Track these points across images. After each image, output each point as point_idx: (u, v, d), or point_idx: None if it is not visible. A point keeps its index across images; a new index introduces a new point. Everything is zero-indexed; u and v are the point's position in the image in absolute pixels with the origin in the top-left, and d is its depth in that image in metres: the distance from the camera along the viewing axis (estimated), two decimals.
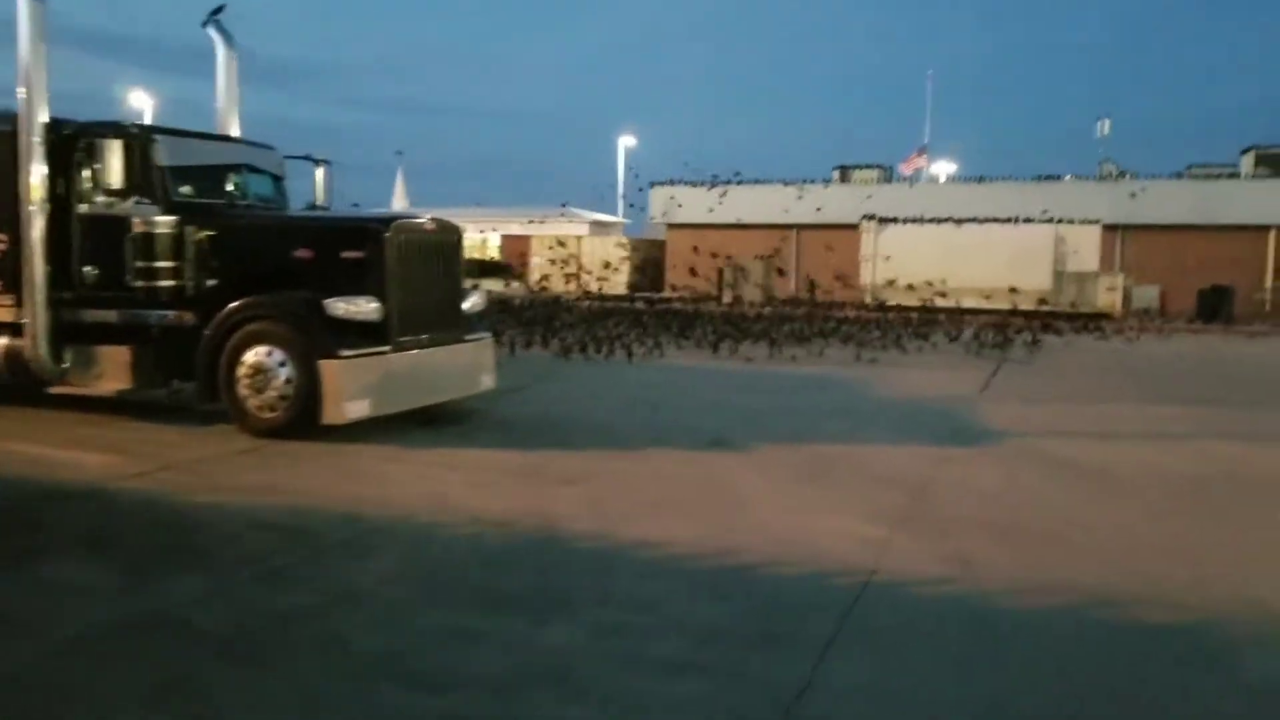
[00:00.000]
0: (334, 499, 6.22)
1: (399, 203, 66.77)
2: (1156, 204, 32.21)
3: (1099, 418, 10.16)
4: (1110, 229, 30.33)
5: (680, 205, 38.32)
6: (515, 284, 41.80)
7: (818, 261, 35.66)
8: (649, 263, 41.14)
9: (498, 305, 23.52)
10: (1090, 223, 28.12)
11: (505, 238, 56.36)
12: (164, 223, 8.56)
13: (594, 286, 36.97)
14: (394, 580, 4.85)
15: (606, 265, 32.77)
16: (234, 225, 8.85)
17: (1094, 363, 16.00)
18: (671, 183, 39.27)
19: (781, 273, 32.60)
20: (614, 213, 58.40)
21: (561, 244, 42.40)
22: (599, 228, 54.00)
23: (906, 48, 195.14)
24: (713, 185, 37.73)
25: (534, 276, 43.32)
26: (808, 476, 7.18)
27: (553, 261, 42.03)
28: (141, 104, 43.37)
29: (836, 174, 38.29)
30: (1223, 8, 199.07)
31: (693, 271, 30.28)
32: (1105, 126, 37.21)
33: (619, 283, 40.37)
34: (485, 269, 53.79)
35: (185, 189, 8.87)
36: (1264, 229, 31.94)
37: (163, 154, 8.68)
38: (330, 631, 4.17)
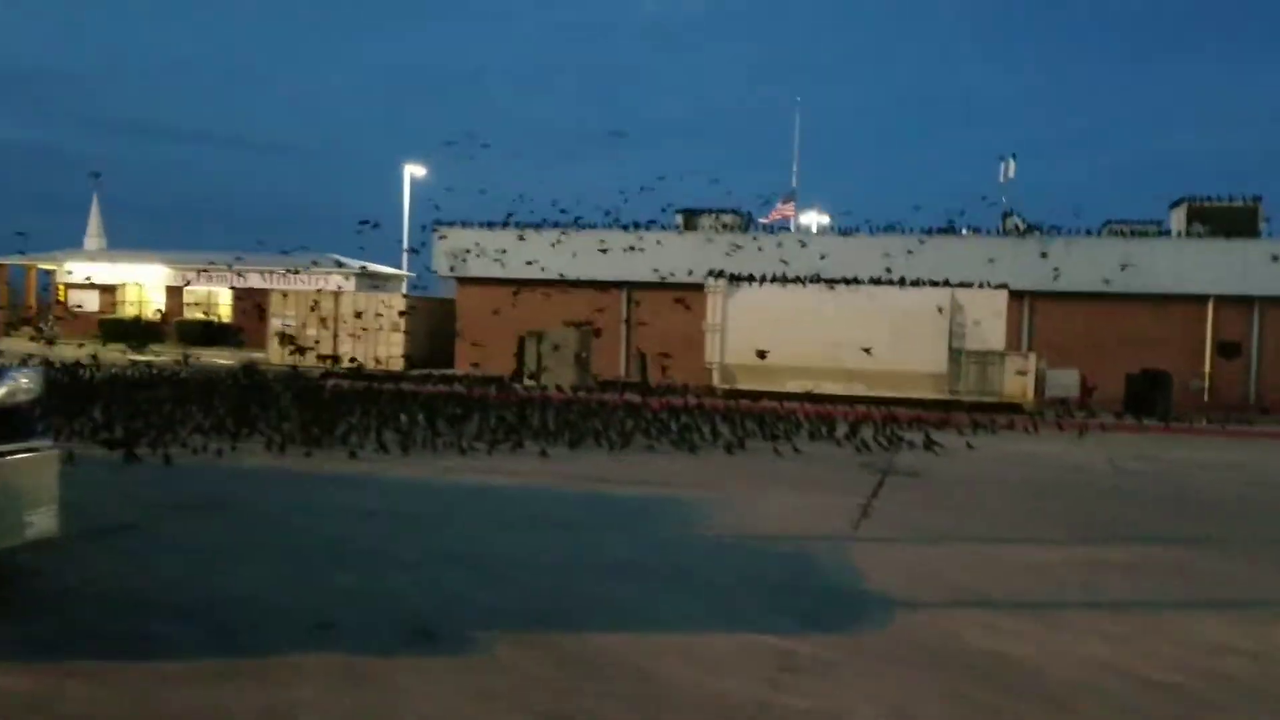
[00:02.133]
0: None
1: (92, 242, 62.40)
2: (1072, 266, 32.54)
3: (1024, 570, 8.56)
4: (1017, 296, 30.22)
5: (473, 254, 36.38)
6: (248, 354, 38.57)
7: (656, 331, 34.27)
8: (437, 329, 38.89)
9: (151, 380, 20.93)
10: (995, 287, 27.81)
11: (238, 292, 52.87)
12: None
13: (357, 358, 34.34)
14: None
15: (361, 332, 30.30)
16: None
17: (1006, 475, 14.75)
18: (463, 225, 37.36)
19: (596, 336, 30.90)
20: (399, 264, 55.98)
21: (316, 303, 39.67)
22: (371, 282, 51.42)
23: (773, 84, 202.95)
24: (516, 227, 36.05)
25: (272, 346, 40.32)
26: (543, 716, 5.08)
27: (299, 326, 39.19)
28: None
29: (680, 219, 37.34)
30: (1143, 49, 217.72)
31: (477, 345, 28.21)
32: (1009, 168, 37.88)
33: (395, 355, 37.95)
34: (208, 332, 50.36)
35: None
36: (1201, 300, 32.66)
37: None
38: None
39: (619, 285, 35.74)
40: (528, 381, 27.52)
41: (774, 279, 28.72)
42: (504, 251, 36.18)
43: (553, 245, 35.64)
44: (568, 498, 11.24)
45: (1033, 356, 27.61)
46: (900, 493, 12.43)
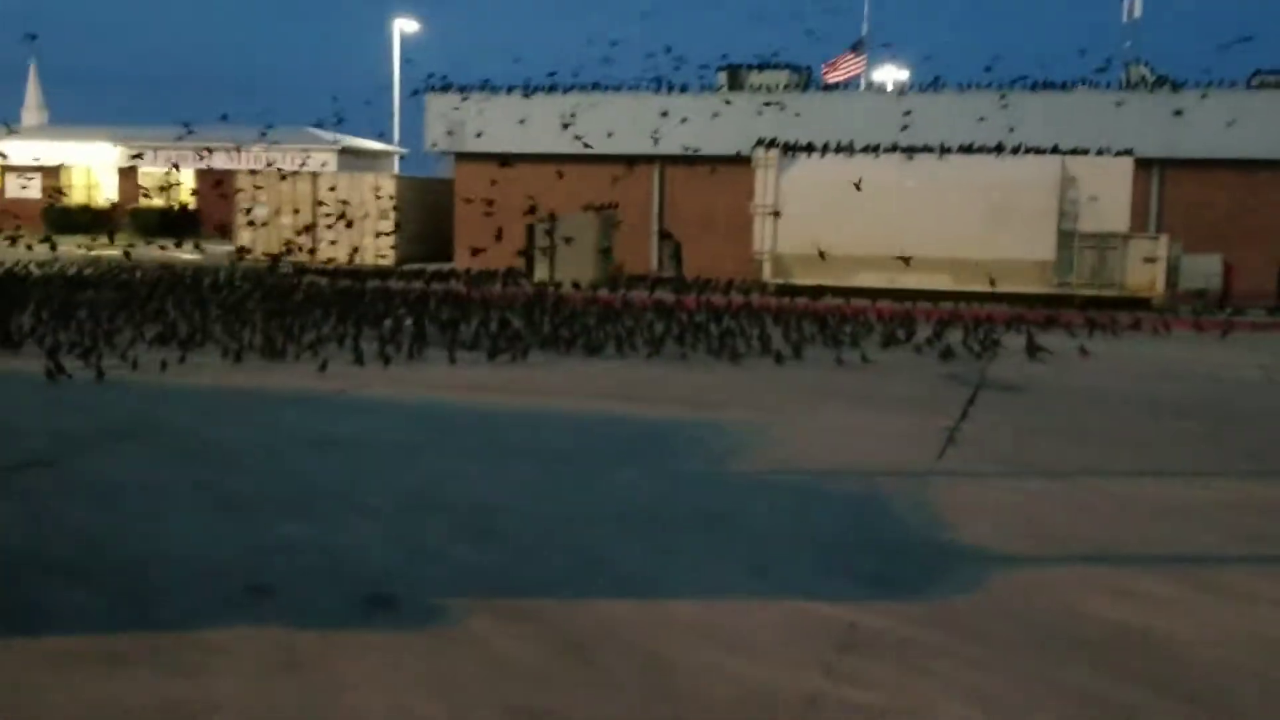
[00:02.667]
0: None
1: (31, 116, 62.10)
2: (1213, 128, 31.37)
3: (1162, 514, 8.02)
4: (1144, 165, 29.21)
5: (473, 124, 35.65)
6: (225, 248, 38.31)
7: (693, 215, 33.59)
8: (433, 216, 38.37)
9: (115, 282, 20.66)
10: (1118, 155, 26.84)
11: (202, 174, 52.48)
12: None
13: (335, 252, 33.96)
14: None
15: (341, 216, 29.70)
16: None
17: (1132, 389, 14.13)
18: (461, 90, 36.57)
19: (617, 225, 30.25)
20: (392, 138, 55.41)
21: (282, 180, 39.20)
22: (355, 159, 50.86)
23: None
24: (525, 91, 35.26)
25: (241, 237, 40.06)
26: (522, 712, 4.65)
27: (271, 214, 38.85)
28: None
29: (724, 78, 36.36)
30: None
31: (498, 237, 27.60)
32: (1135, 6, 36.42)
33: (383, 247, 37.50)
34: (166, 222, 50.07)
35: None
36: None
37: None
38: None
39: (649, 160, 34.92)
40: (539, 277, 27.02)
41: (839, 148, 27.86)
42: (513, 121, 35.41)
43: (569, 113, 34.82)
44: (576, 421, 10.80)
45: (1164, 240, 26.72)
46: (996, 412, 11.87)
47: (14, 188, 58.48)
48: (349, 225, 32.24)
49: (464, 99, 36.30)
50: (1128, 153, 27.00)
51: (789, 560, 6.69)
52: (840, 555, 6.80)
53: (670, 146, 34.15)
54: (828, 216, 26.39)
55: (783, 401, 12.11)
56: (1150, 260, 25.89)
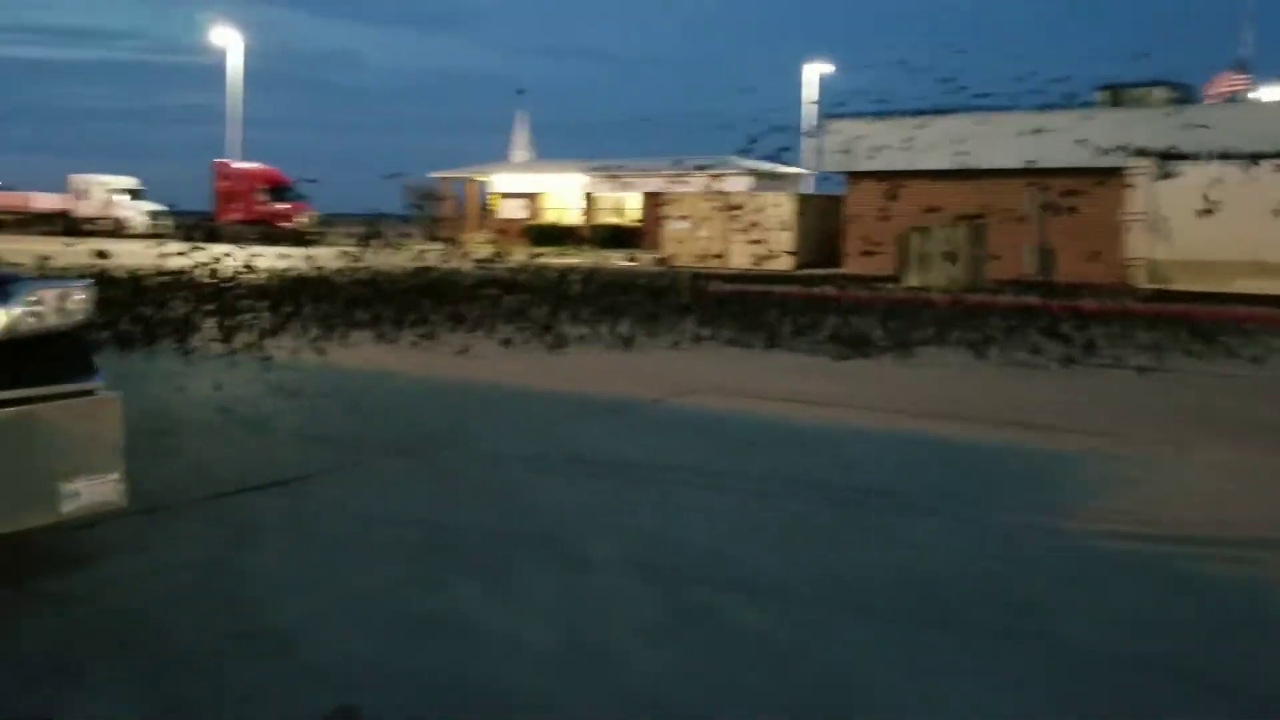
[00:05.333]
0: None
1: (519, 155, 64.00)
2: None
3: None
4: None
5: (863, 147, 32.32)
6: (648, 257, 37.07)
7: (1067, 224, 28.84)
8: (828, 229, 35.47)
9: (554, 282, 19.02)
10: None
11: (648, 196, 51.86)
12: None
13: (743, 259, 31.73)
14: None
15: (742, 230, 27.45)
16: None
17: None
18: (855, 116, 33.38)
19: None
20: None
21: (681, 204, 37.60)
22: (767, 181, 48.55)
23: None
24: (911, 115, 31.55)
25: (665, 247, 38.71)
26: None
27: (691, 227, 37.26)
28: None
29: (1102, 96, 31.24)
30: None
31: (870, 248, 24.46)
32: None
33: (782, 256, 34.98)
34: (617, 236, 49.58)
35: None
36: None
37: None
38: None
39: (1025, 173, 30.34)
40: (909, 283, 23.52)
41: (1222, 157, 22.66)
42: (901, 141, 31.81)
43: (946, 133, 30.81)
44: (882, 446, 7.59)
45: None
46: None
47: (509, 209, 60.35)
48: (744, 234, 30.00)
49: (854, 123, 33.12)
50: None
51: (1141, 698, 3.46)
52: (1222, 697, 3.49)
53: (1047, 160, 29.55)
54: (1206, 224, 21.41)
55: (1144, 427, 8.39)
56: None
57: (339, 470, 6.17)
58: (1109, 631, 4.07)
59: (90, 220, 49.47)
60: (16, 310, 4.11)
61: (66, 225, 48.28)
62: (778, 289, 21.19)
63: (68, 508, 4.23)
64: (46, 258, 15.49)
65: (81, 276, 5.97)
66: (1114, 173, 24.46)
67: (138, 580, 4.29)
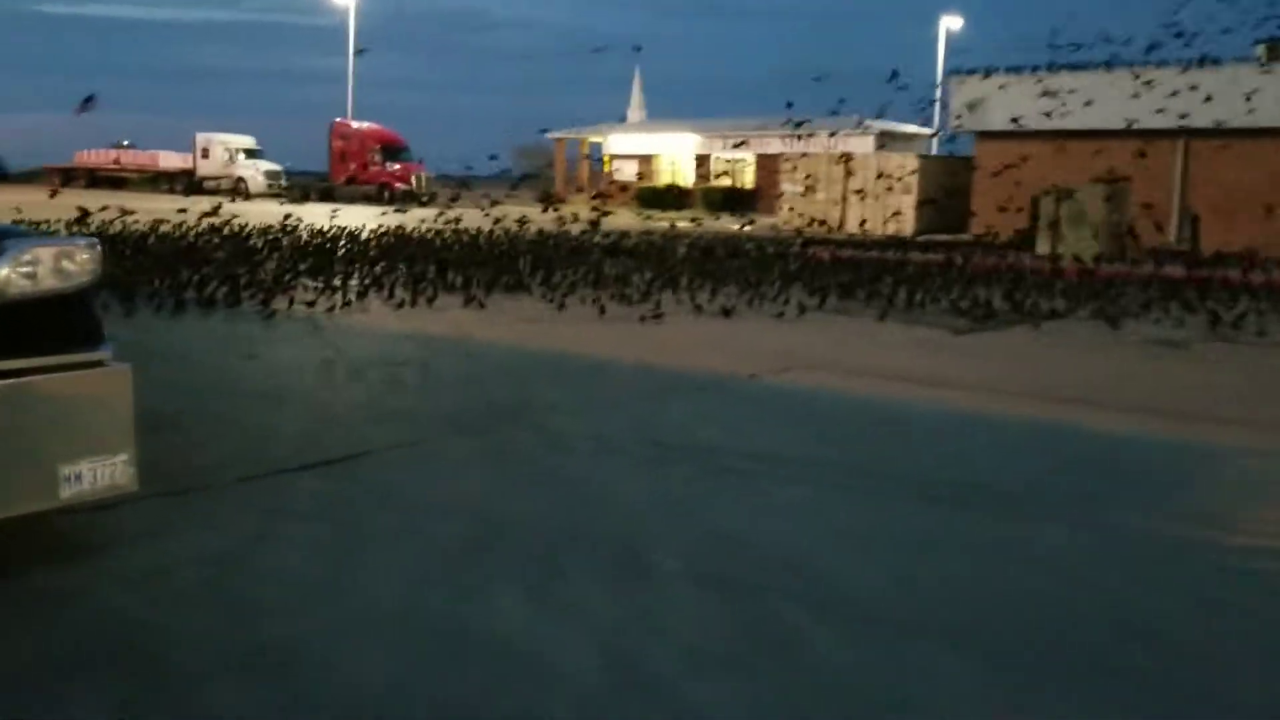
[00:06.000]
0: None
1: (634, 115, 63.35)
2: None
3: None
4: None
5: (992, 104, 30.89)
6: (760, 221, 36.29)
7: (1218, 189, 27.13)
8: (954, 191, 34.08)
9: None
10: None
11: (762, 159, 50.87)
12: None
13: (861, 223, 30.66)
14: None
15: (857, 192, 26.37)
16: None
17: None
18: (985, 72, 31.93)
19: (1149, 206, 24.43)
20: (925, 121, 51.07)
21: (797, 166, 36.57)
22: (892, 142, 47.05)
23: None
24: (1046, 70, 29.98)
25: (782, 211, 37.86)
26: None
27: (806, 189, 36.26)
28: None
29: (1261, 50, 29.22)
30: None
31: (998, 212, 23.25)
32: None
33: (903, 219, 33.77)
34: (730, 198, 48.66)
35: None
36: None
37: None
38: None
39: (1172, 134, 28.64)
40: (1040, 250, 22.25)
41: None
42: (1034, 99, 30.29)
43: (1088, 90, 29.18)
44: (997, 431, 6.84)
45: None
46: None
47: (620, 170, 59.90)
48: (862, 198, 28.91)
49: (983, 79, 31.67)
50: None
51: None
52: None
53: (1198, 121, 27.78)
54: None
55: None
56: None
57: (395, 449, 5.72)
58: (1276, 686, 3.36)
59: (212, 179, 50.52)
60: (5, 270, 3.71)
61: (188, 184, 49.41)
62: (894, 255, 20.27)
63: (68, 492, 3.84)
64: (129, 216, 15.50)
65: (100, 234, 5.59)
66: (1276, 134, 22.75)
67: (141, 578, 3.87)
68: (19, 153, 74.22)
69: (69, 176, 55.66)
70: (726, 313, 11.96)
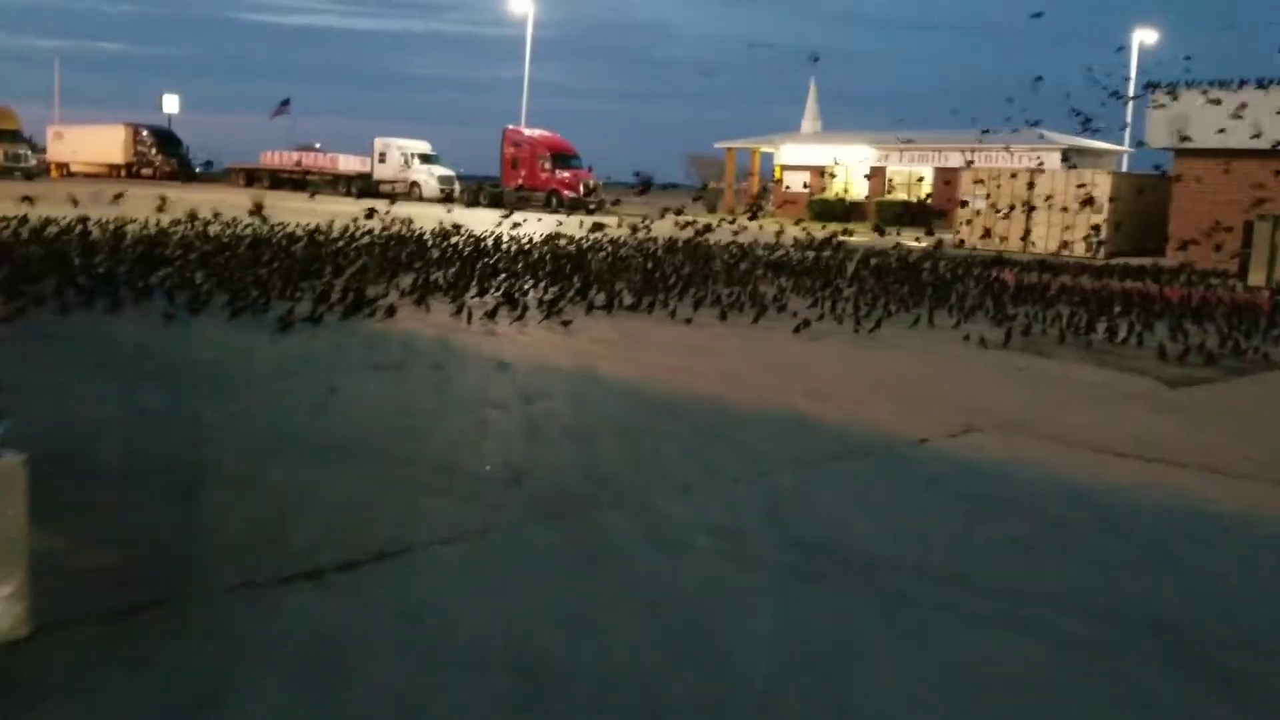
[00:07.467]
0: None
1: (808, 125, 61.50)
2: None
3: None
4: None
5: (1196, 120, 27.93)
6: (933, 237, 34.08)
7: None
8: (1150, 213, 31.14)
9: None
10: None
11: (941, 171, 48.36)
12: None
13: (1047, 243, 28.24)
14: None
15: (1042, 209, 23.88)
16: None
17: None
18: (1187, 86, 28.99)
19: None
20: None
21: (981, 181, 34.15)
22: (1079, 157, 43.87)
23: None
24: (1256, 85, 26.93)
25: (959, 227, 35.59)
26: None
27: (989, 205, 33.93)
28: None
29: None
30: None
31: (1201, 237, 20.65)
32: None
33: (1090, 241, 31.07)
34: (907, 213, 46.17)
35: None
36: None
37: None
38: None
39: None
40: (1253, 281, 19.57)
41: None
42: (1238, 115, 27.21)
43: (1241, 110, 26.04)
44: (1256, 545, 5.06)
45: None
46: None
47: (792, 182, 58.23)
48: (1049, 216, 26.41)
49: (1179, 96, 28.72)
50: None
51: None
52: None
53: None
54: None
55: None
56: None
57: (450, 542, 4.33)
58: None
59: (388, 182, 50.96)
60: None
61: (361, 187, 49.94)
62: (1085, 281, 18.04)
63: None
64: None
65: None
66: None
67: None
68: (221, 151, 77.23)
69: (252, 177, 57.21)
70: (894, 345, 10.29)
